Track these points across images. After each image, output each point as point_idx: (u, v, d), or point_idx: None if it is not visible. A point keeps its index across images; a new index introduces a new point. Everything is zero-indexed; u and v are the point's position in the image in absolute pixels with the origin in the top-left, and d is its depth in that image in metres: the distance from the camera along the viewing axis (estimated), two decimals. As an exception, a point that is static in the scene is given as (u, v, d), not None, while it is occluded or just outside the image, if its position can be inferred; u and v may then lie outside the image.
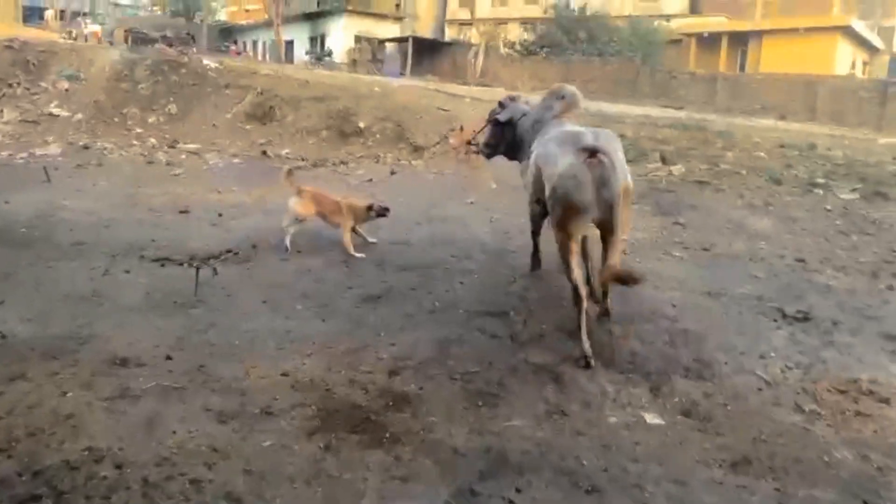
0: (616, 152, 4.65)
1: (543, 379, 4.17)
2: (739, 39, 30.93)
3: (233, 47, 39.37)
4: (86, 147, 11.77)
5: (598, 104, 15.90)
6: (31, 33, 23.84)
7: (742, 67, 30.90)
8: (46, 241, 6.57)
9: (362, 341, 4.54)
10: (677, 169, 9.68)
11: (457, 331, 4.77)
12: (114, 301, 5.06)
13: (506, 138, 6.06)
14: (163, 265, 5.97)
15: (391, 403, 3.72)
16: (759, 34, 30.55)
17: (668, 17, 33.69)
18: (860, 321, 5.18)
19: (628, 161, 10.08)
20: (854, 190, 8.74)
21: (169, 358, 4.11)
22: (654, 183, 9.24)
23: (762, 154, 10.39)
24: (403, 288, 5.64)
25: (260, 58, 36.16)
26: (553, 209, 4.67)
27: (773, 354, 4.62)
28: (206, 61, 14.96)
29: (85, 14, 43.86)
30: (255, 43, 41.82)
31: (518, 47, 33.41)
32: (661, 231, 7.57)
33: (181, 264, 5.99)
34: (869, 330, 5.01)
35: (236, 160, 11.30)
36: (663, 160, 10.26)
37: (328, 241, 6.88)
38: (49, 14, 34.94)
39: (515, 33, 35.67)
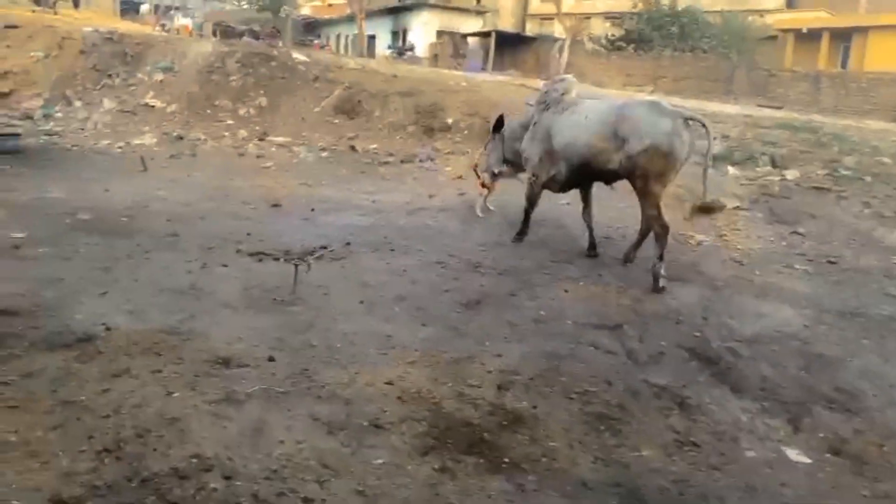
0: None
1: (667, 403, 3.80)
2: (842, 35, 29.06)
3: (316, 41, 39.97)
4: (179, 138, 12.01)
5: (692, 102, 15.17)
6: (127, 26, 24.80)
7: (844, 65, 29.06)
8: (144, 231, 6.61)
9: (466, 350, 4.27)
10: (791, 173, 8.99)
11: (567, 344, 4.44)
12: (212, 296, 4.97)
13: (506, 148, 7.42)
14: (259, 260, 5.89)
15: (505, 423, 3.44)
16: (865, 30, 28.61)
17: (762, 13, 32.11)
18: None
19: (735, 163, 9.54)
20: None
21: (271, 359, 3.95)
22: (766, 188, 8.61)
23: (886, 160, 9.54)
24: (502, 293, 5.35)
25: (342, 52, 36.55)
26: (652, 163, 5.55)
27: (927, 387, 4.08)
28: (295, 55, 15.05)
29: (177, 8, 45.53)
30: (337, 37, 42.37)
31: (604, 42, 32.50)
32: (779, 241, 7.01)
33: (277, 259, 5.90)
34: None
35: (325, 154, 11.28)
36: (773, 163, 9.56)
37: (421, 239, 6.66)
38: (145, 8, 36.33)
39: (601, 28, 34.74)
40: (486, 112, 12.11)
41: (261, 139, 11.96)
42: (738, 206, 7.93)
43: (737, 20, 30.13)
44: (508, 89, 15.04)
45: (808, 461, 3.32)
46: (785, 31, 30.57)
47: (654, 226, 5.72)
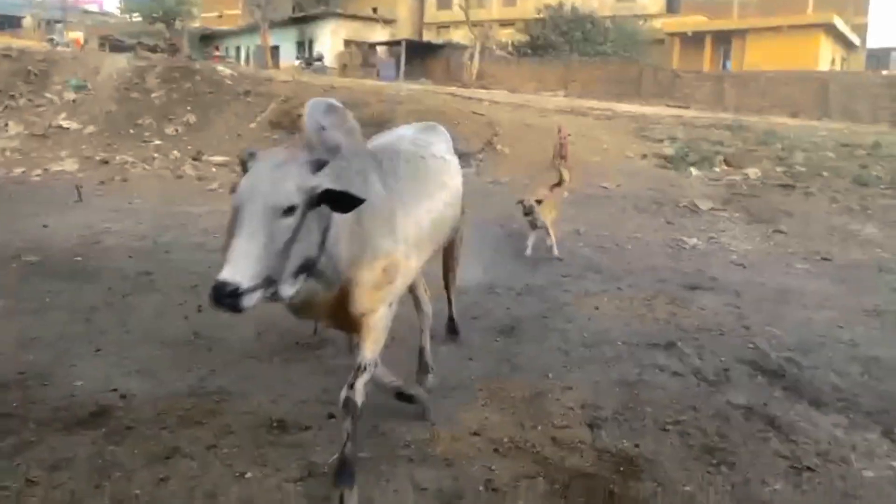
0: None
1: (760, 426, 3.62)
2: (723, 38, 30.98)
3: (215, 53, 38.30)
4: (104, 162, 10.97)
5: (606, 104, 15.51)
6: (9, 41, 22.73)
7: (724, 66, 30.98)
8: (108, 271, 5.86)
9: (532, 386, 3.95)
10: (752, 172, 9.23)
11: (631, 369, 4.20)
12: (223, 345, 4.38)
13: None
14: (258, 297, 5.28)
15: (621, 469, 3.13)
16: (744, 32, 30.68)
17: (645, 18, 33.72)
18: None
19: (693, 164, 9.70)
20: (947, 191, 8.39)
21: (331, 417, 3.46)
22: (733, 188, 8.78)
23: (830, 154, 10.00)
24: (533, 316, 5.06)
25: (244, 64, 35.17)
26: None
27: None
28: (220, 68, 14.18)
29: (58, 21, 42.40)
30: (237, 49, 40.77)
31: (510, 49, 32.97)
32: (766, 241, 7.11)
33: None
34: None
35: (272, 172, 10.58)
36: (727, 163, 9.81)
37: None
38: (27, 21, 33.60)
39: (500, 34, 35.22)
40: (434, 122, 11.82)
41: (195, 159, 11.11)
42: (713, 208, 8.01)
43: (629, 25, 31.46)
44: (444, 99, 14.81)
45: (925, 476, 3.22)
46: (671, 34, 32.24)
47: None
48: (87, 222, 7.52)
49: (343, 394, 2.74)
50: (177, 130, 12.18)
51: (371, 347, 2.80)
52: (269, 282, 2.27)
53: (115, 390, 3.65)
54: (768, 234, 7.27)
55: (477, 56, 30.44)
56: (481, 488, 2.92)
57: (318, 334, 4.55)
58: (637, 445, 3.35)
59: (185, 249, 6.63)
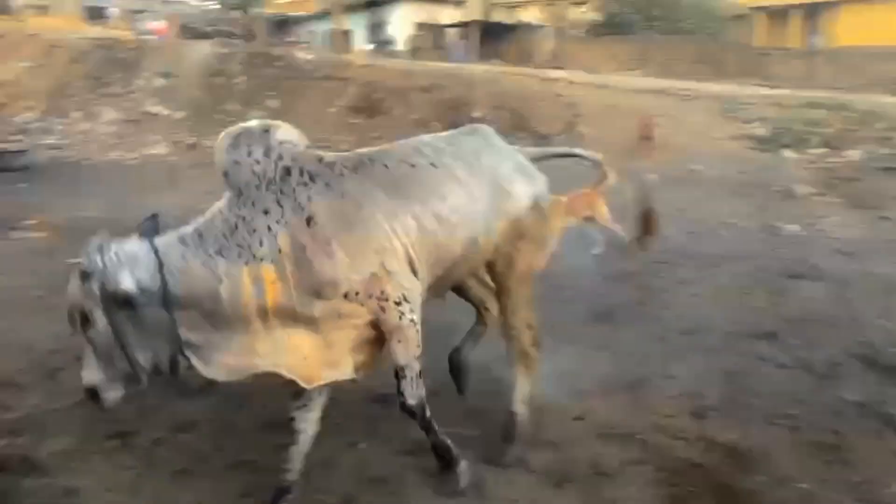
0: None
1: (876, 424, 3.45)
2: (811, 11, 29.26)
3: (289, 39, 39.03)
4: (193, 146, 11.37)
5: (689, 84, 14.95)
6: (98, 31, 23.79)
7: (812, 42, 29.28)
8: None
9: (633, 373, 3.89)
10: (853, 154, 8.77)
11: (733, 359, 4.09)
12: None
13: None
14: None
15: (731, 460, 3.06)
16: (835, 5, 28.87)
17: None
18: None
19: (787, 146, 9.27)
20: None
21: (436, 394, 3.47)
22: (832, 171, 8.35)
23: (939, 135, 9.39)
24: (629, 302, 4.97)
25: (317, 48, 35.72)
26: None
27: None
28: (299, 54, 14.45)
29: (142, 11, 44.12)
30: (311, 33, 41.44)
31: (586, 28, 32.25)
32: (871, 227, 6.75)
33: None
34: None
35: (353, 156, 10.74)
36: (826, 144, 9.33)
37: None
38: (113, 11, 35.09)
39: (578, 13, 34.44)
40: (512, 105, 11.73)
41: (280, 143, 11.36)
42: (811, 192, 7.65)
43: (707, 1, 30.20)
44: (520, 80, 14.62)
45: None
46: (754, 9, 30.68)
47: None
48: (184, 203, 7.80)
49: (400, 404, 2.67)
50: (261, 115, 12.47)
51: (400, 351, 2.62)
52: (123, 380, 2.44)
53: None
54: (874, 220, 6.89)
55: (550, 36, 29.94)
56: (591, 472, 2.91)
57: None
58: (745, 438, 3.26)
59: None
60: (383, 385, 3.54)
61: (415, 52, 32.19)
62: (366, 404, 3.37)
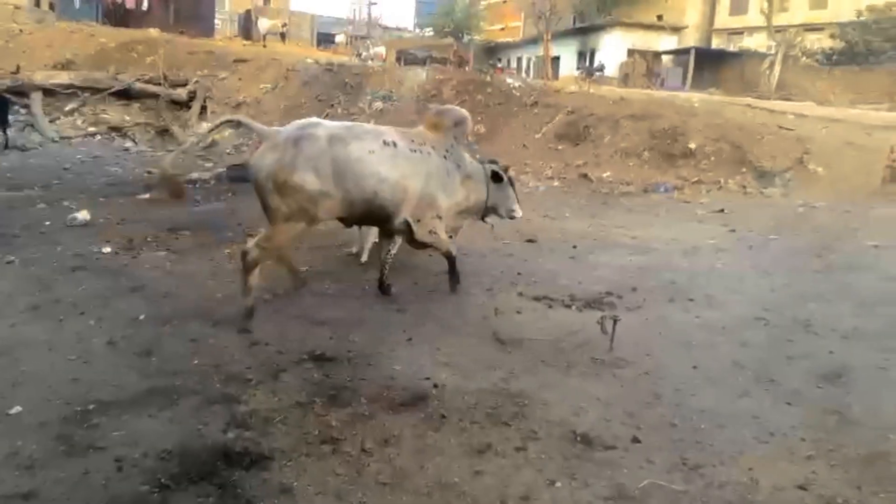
0: None
1: None
2: None
3: (498, 65, 40.25)
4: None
5: None
6: (326, 55, 26.22)
7: None
8: (417, 268, 6.37)
9: (867, 443, 3.41)
10: None
11: None
12: (522, 349, 4.49)
13: None
14: (549, 306, 5.37)
15: None
16: None
17: None
18: None
19: None
20: None
21: (636, 440, 3.34)
22: None
23: None
24: (866, 364, 4.39)
25: (524, 74, 36.38)
26: None
27: None
28: (509, 80, 14.80)
29: (364, 37, 48.02)
30: (518, 60, 42.38)
31: (819, 56, 29.52)
32: None
33: (568, 307, 5.35)
34: None
35: (556, 183, 10.75)
36: None
37: (720, 288, 5.84)
38: (340, 38, 38.53)
39: (812, 40, 31.63)
40: (733, 137, 11.01)
41: (484, 167, 11.66)
42: None
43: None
44: (741, 110, 13.71)
45: None
46: None
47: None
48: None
49: None
50: (468, 139, 12.91)
51: None
52: None
53: (428, 379, 3.92)
54: None
55: (778, 64, 27.82)
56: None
57: (612, 351, 4.46)
58: None
59: (480, 253, 6.98)
60: (581, 424, 3.47)
61: (625, 79, 31.64)
62: (560, 442, 3.28)
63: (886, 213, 7.74)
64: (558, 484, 2.93)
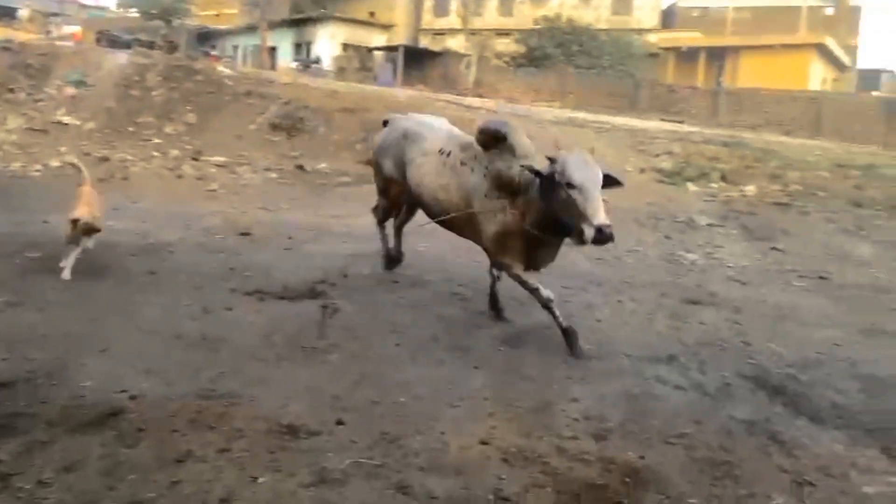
0: None
1: (763, 440, 3.68)
2: (717, 55, 31.34)
3: (212, 52, 38.18)
4: (104, 159, 10.92)
5: (602, 117, 15.61)
6: (6, 33, 22.56)
7: (718, 83, 31.28)
8: (113, 269, 5.84)
9: (538, 396, 3.99)
10: (749, 189, 9.36)
11: (635, 381, 4.26)
12: (232, 347, 4.40)
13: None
14: (261, 299, 5.33)
15: (628, 480, 3.18)
16: (737, 50, 31.07)
17: (640, 32, 33.94)
18: None
19: (690, 179, 9.79)
20: (941, 214, 8.54)
21: (340, 423, 3.49)
22: (729, 204, 8.88)
23: (825, 174, 10.15)
24: (536, 327, 5.11)
25: (240, 63, 35.10)
26: None
27: (984, 404, 4.20)
28: (220, 68, 14.19)
29: (55, 14, 42.07)
30: (234, 48, 40.69)
31: (507, 59, 33.11)
32: (764, 257, 7.20)
33: (282, 298, 5.36)
34: None
35: (272, 175, 10.61)
36: (724, 179, 9.92)
37: (422, 269, 6.32)
38: (23, 13, 33.34)
39: (502, 44, 35.35)
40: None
41: (195, 159, 11.09)
42: (710, 223, 8.10)
43: (624, 38, 31.72)
44: (442, 106, 14.85)
45: (924, 494, 3.28)
46: (666, 49, 32.57)
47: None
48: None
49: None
50: (177, 129, 12.16)
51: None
52: None
53: (124, 391, 3.65)
54: (766, 251, 7.37)
55: (474, 65, 30.61)
56: (491, 497, 2.95)
57: (323, 338, 4.58)
58: (643, 457, 3.39)
59: (189, 250, 6.64)
60: (287, 415, 3.52)
61: (341, 72, 32.21)
62: (267, 436, 3.29)
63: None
64: (261, 479, 2.94)
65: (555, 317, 4.60)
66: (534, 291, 4.65)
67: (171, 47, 27.66)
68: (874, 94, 29.32)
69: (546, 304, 4.61)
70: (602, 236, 4.00)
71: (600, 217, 4.00)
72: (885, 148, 19.05)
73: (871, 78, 34.80)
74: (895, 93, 30.71)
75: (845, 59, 33.46)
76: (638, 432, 3.64)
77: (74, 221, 5.41)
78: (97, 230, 5.61)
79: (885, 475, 3.43)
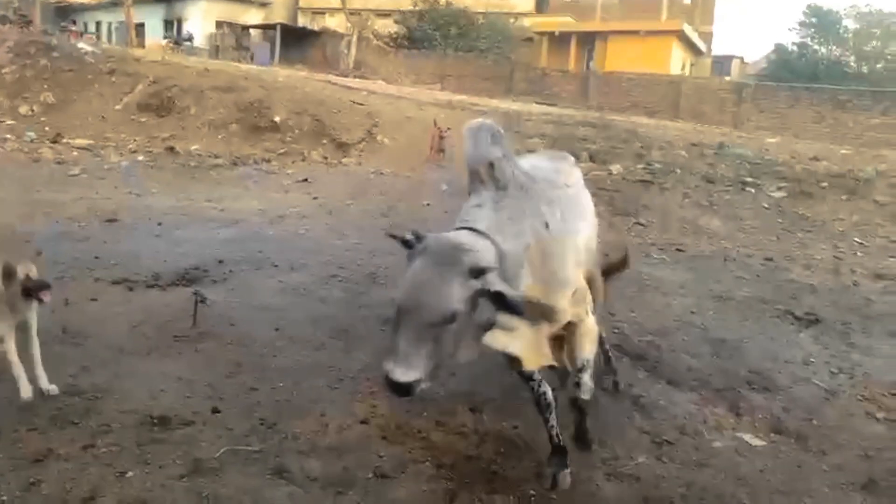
0: None
1: (625, 404, 3.96)
2: (587, 39, 32.72)
3: (73, 28, 35.26)
4: (-55, 142, 9.92)
5: (478, 99, 15.98)
6: None
7: (588, 66, 32.74)
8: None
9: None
10: (615, 168, 9.89)
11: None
12: (97, 340, 4.17)
13: None
14: (130, 289, 5.07)
15: (503, 450, 3.34)
16: (606, 35, 32.54)
17: (515, 16, 34.79)
18: (863, 321, 5.46)
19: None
20: (780, 188, 9.39)
21: (216, 411, 3.42)
22: (597, 183, 9.34)
23: (682, 153, 10.90)
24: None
25: (105, 41, 32.74)
26: None
27: (813, 360, 4.73)
28: (80, 44, 13.19)
29: None
30: (97, 24, 37.83)
31: (387, 39, 32.88)
32: (628, 232, 7.65)
33: (151, 287, 5.13)
34: (878, 330, 5.29)
35: (140, 157, 10.03)
36: (592, 159, 10.44)
37: (301, 251, 6.25)
38: None
39: (382, 25, 35.05)
40: (314, 110, 11.66)
41: (55, 141, 10.29)
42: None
43: (500, 22, 32.40)
44: (321, 86, 14.59)
45: (764, 443, 3.66)
46: (540, 33, 33.61)
47: None
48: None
49: (570, 395, 3.13)
50: (32, 110, 11.24)
51: (588, 347, 3.03)
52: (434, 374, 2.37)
53: (-27, 393, 3.38)
54: (630, 225, 7.84)
55: (354, 45, 30.14)
56: (370, 475, 3.00)
57: (196, 326, 4.44)
58: (516, 427, 3.56)
59: (52, 239, 6.18)
60: (158, 406, 3.40)
61: (215, 51, 30.76)
62: (136, 430, 3.17)
63: (432, 176, 9.18)
64: (130, 474, 2.83)
65: None
66: None
67: (25, 21, 25.30)
68: (726, 78, 31.67)
69: None
70: None
71: None
72: (735, 128, 20.73)
73: (723, 63, 37.45)
74: (743, 77, 33.42)
75: (701, 45, 35.77)
76: (511, 404, 3.80)
77: None
78: None
79: (732, 431, 3.78)
